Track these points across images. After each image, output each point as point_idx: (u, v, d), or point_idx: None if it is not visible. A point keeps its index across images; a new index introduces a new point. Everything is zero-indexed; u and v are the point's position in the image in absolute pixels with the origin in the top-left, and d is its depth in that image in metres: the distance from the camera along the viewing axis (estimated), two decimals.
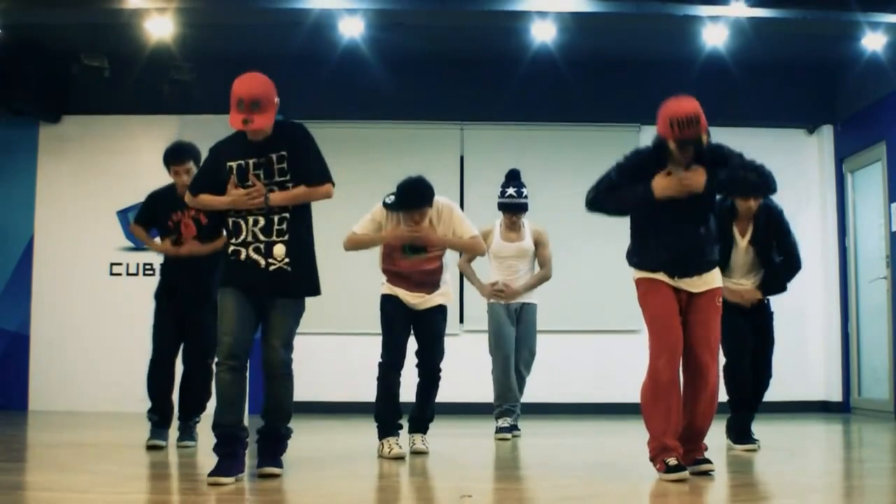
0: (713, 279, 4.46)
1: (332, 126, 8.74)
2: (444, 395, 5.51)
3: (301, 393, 4.65)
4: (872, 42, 7.69)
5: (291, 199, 4.29)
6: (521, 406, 6.57)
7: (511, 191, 6.50)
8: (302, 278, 4.33)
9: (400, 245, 5.24)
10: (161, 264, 5.85)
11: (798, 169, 9.16)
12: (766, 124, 9.21)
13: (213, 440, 4.25)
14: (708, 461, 4.42)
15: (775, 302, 5.82)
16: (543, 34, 7.72)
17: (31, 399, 8.69)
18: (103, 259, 8.86)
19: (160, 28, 7.41)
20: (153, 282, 5.94)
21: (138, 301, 7.63)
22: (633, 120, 8.95)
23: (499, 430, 6.35)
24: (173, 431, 5.63)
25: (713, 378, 4.41)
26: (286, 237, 4.28)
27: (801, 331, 8.94)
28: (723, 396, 4.72)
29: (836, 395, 9.00)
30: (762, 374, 5.69)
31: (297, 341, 4.42)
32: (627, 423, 7.29)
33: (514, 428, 6.42)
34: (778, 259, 5.66)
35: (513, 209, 6.49)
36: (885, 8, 7.13)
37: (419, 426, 5.45)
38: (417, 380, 5.38)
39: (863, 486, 4.38)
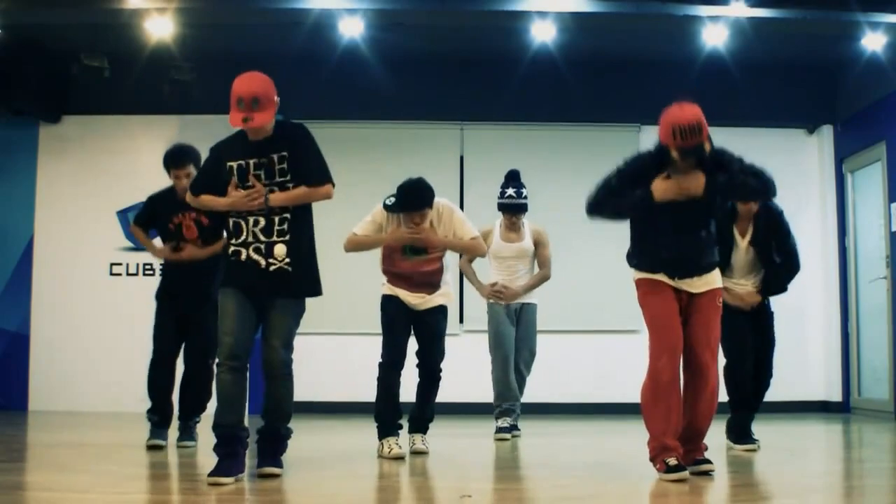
0: (713, 279, 4.46)
1: (332, 126, 8.73)
2: (443, 395, 5.51)
3: (301, 393, 4.65)
4: (872, 42, 7.68)
5: (291, 200, 4.29)
6: (521, 406, 6.57)
7: (511, 191, 6.49)
8: (303, 278, 4.33)
9: (400, 246, 5.25)
10: (162, 265, 5.86)
11: (798, 169, 9.15)
12: (766, 124, 9.21)
13: (214, 440, 4.25)
14: (708, 461, 4.42)
15: (775, 302, 5.82)
16: (543, 34, 7.71)
17: (31, 399, 8.68)
18: (103, 259, 8.85)
19: (160, 28, 7.41)
20: (153, 282, 5.95)
21: (138, 301, 7.64)
22: (633, 120, 8.95)
23: (498, 430, 6.34)
24: (173, 431, 5.62)
25: (713, 378, 4.41)
26: (287, 237, 4.28)
27: (801, 331, 8.93)
28: (723, 396, 4.71)
29: (836, 395, 8.99)
30: (763, 374, 5.69)
31: (297, 341, 4.42)
32: (627, 423, 7.29)
33: (513, 428, 6.42)
34: (778, 260, 5.67)
35: (512, 210, 6.49)
36: (885, 8, 7.13)
37: (419, 426, 5.45)
38: (417, 380, 5.39)
39: (863, 487, 4.38)
